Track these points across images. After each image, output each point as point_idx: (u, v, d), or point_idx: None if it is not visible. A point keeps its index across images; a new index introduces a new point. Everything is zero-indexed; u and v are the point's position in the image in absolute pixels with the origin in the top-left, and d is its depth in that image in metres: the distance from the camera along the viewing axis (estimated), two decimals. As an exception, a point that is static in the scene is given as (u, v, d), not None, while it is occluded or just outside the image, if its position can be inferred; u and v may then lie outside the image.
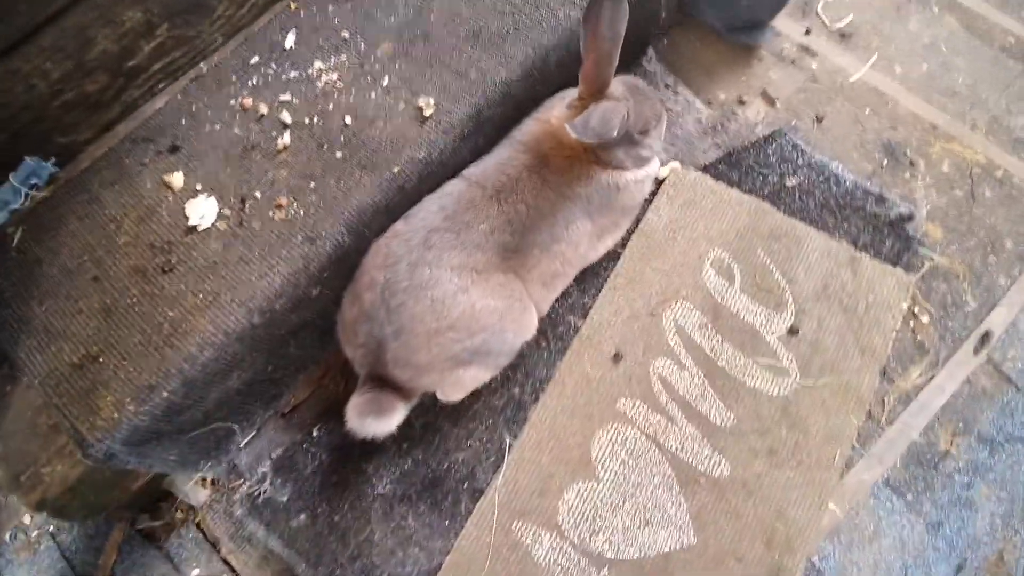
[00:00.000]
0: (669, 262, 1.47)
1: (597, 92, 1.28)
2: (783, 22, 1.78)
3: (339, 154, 1.27)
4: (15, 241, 1.26)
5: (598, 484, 1.29)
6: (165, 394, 1.12)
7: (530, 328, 1.36)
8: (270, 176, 1.26)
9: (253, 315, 1.17)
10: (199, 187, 1.27)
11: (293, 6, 1.43)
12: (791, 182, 1.54)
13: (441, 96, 1.31)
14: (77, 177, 1.32)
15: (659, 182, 1.57)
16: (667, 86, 1.69)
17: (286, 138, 1.29)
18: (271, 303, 1.18)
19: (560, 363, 1.39)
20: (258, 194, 1.25)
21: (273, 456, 1.33)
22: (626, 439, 1.32)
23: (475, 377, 1.32)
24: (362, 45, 1.38)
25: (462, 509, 1.28)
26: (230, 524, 1.33)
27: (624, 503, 1.27)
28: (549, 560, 1.24)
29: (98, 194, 1.29)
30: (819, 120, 1.63)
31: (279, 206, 1.23)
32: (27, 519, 1.38)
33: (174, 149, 1.32)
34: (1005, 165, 1.58)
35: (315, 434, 1.35)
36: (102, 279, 1.22)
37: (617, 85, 1.31)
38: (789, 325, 1.40)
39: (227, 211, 1.24)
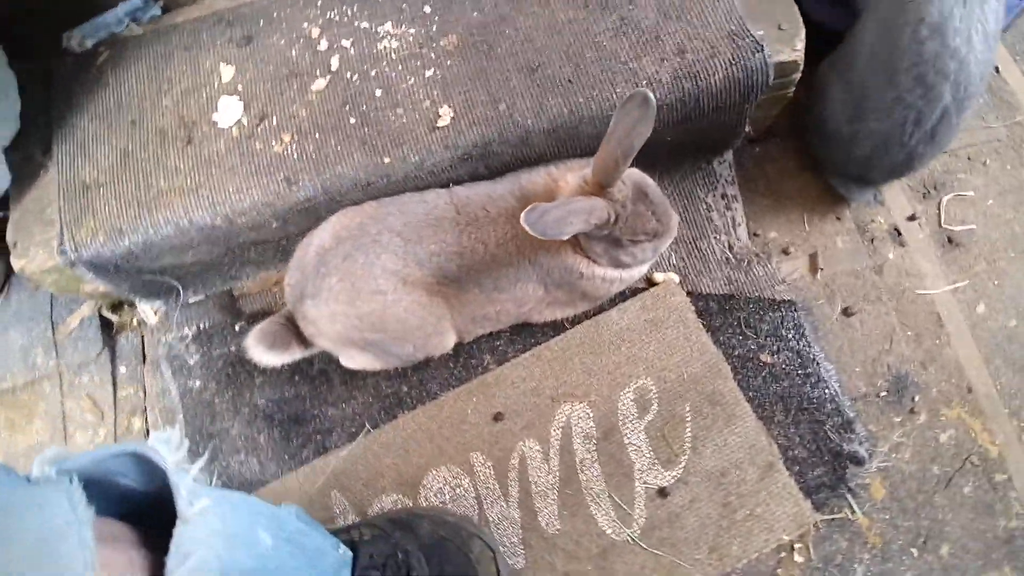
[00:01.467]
0: (599, 364, 1.45)
1: (601, 183, 1.24)
2: (894, 192, 1.55)
3: (352, 120, 1.35)
4: (99, 61, 1.49)
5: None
6: (127, 243, 1.34)
7: (438, 350, 1.43)
8: (291, 110, 1.37)
9: (216, 217, 1.33)
10: (239, 88, 1.41)
11: (403, -42, 1.46)
12: (767, 358, 1.43)
13: (462, 112, 1.32)
14: (166, 29, 1.50)
15: (649, 283, 1.51)
16: (723, 196, 1.57)
17: (323, 83, 1.38)
18: (234, 216, 1.33)
19: (451, 392, 1.46)
20: (274, 120, 1.37)
21: (200, 326, 1.55)
22: (458, 486, 1.40)
23: (368, 362, 1.43)
24: (434, 27, 1.40)
25: (304, 455, 1.45)
26: (154, 352, 1.59)
27: (423, 533, 1.38)
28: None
29: (172, 52, 1.47)
30: (847, 314, 1.46)
31: (281, 140, 1.35)
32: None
33: (244, 42, 1.45)
34: (1013, 473, 1.36)
35: (238, 327, 1.54)
36: (137, 125, 1.42)
37: (627, 183, 1.25)
38: (664, 486, 1.37)
39: (245, 121, 1.38)
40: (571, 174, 1.32)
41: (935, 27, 1.19)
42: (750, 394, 1.41)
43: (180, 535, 0.72)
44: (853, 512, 1.35)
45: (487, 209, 1.31)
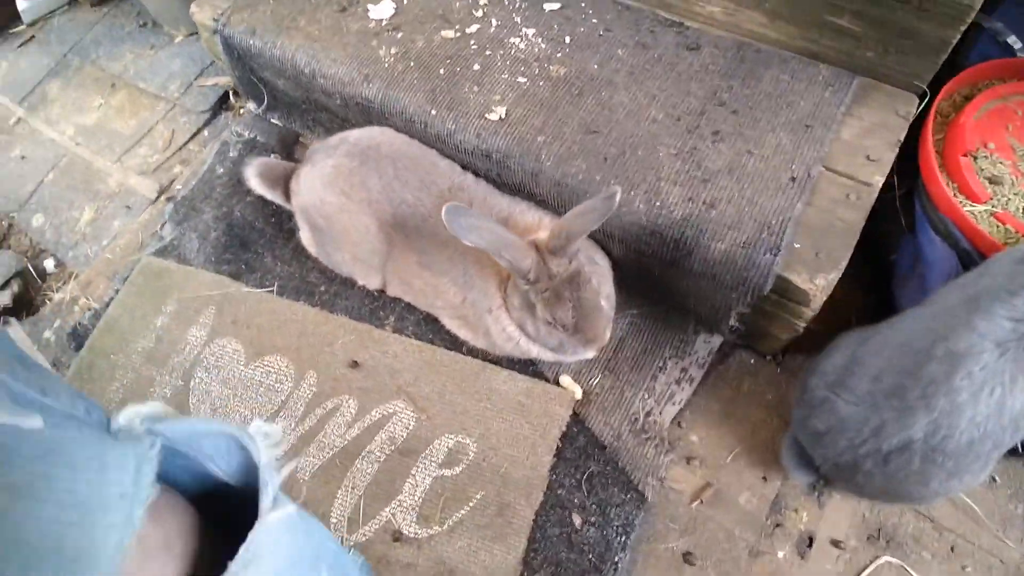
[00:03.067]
0: (454, 398, 1.43)
1: (548, 244, 1.23)
2: (842, 509, 1.31)
3: (441, 71, 1.50)
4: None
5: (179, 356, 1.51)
6: (253, 42, 1.62)
7: (361, 278, 1.55)
8: (417, 39, 1.55)
9: (308, 66, 1.56)
10: (404, 2, 1.63)
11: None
12: (576, 521, 1.30)
13: (511, 120, 1.40)
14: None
15: (555, 380, 1.46)
16: (683, 371, 1.45)
17: (451, 34, 1.55)
18: (319, 74, 1.55)
19: (345, 318, 1.55)
20: (399, 35, 1.56)
21: (259, 138, 1.82)
22: (281, 381, 1.48)
23: (310, 243, 1.58)
24: (558, 54, 1.50)
25: (224, 268, 1.64)
26: (222, 130, 1.90)
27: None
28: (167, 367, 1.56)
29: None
30: (686, 559, 1.27)
31: (390, 52, 1.54)
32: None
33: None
34: None
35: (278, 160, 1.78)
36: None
37: (573, 268, 1.23)
38: (404, 533, 1.32)
39: (384, 23, 1.59)
40: (542, 223, 1.34)
41: (952, 355, 1.01)
42: (536, 535, 1.30)
43: (256, 535, 0.66)
44: None
45: (471, 204, 1.37)
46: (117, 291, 1.68)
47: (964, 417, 1.00)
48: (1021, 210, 1.28)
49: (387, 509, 1.35)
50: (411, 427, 1.42)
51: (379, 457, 1.39)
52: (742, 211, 1.24)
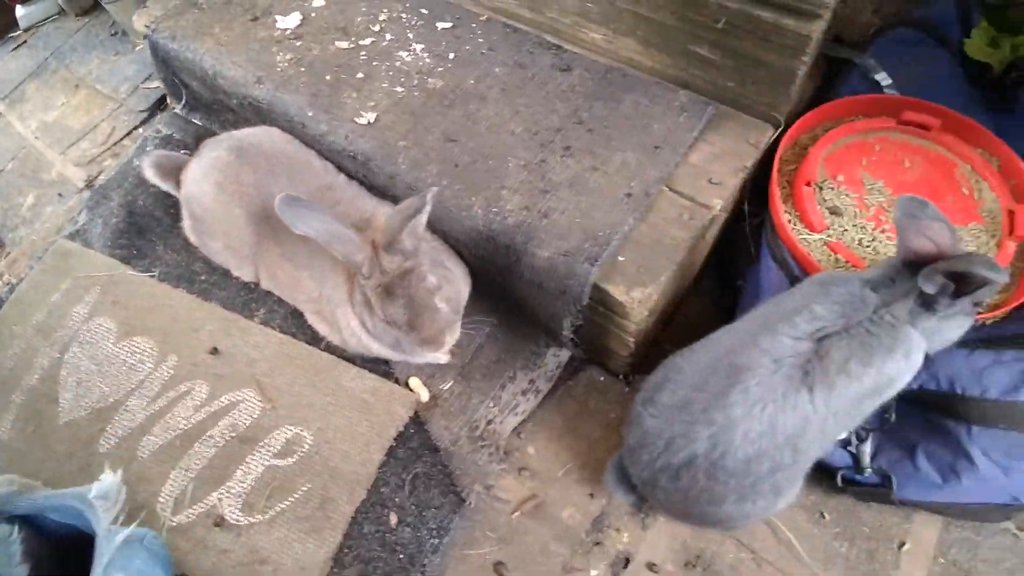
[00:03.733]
0: (301, 391, 1.45)
1: (382, 239, 1.25)
2: (663, 534, 1.28)
3: (328, 77, 1.57)
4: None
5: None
6: (173, 45, 1.73)
7: (234, 269, 1.61)
8: (314, 47, 1.64)
9: (212, 67, 1.66)
10: (310, 16, 1.72)
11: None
12: (392, 520, 1.29)
13: (379, 126, 1.46)
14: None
15: (405, 382, 1.47)
16: (531, 382, 1.45)
17: (345, 45, 1.63)
18: (219, 75, 1.65)
19: (215, 305, 1.59)
20: (299, 43, 1.65)
21: (175, 136, 1.91)
22: (144, 361, 1.52)
23: (190, 231, 1.64)
24: (438, 69, 1.56)
25: (119, 252, 1.70)
26: (144, 127, 2.00)
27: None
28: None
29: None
30: (496, 569, 1.25)
31: (288, 54, 1.62)
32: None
33: (354, -3, 1.78)
34: None
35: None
36: (253, -7, 1.82)
37: (409, 266, 1.25)
38: (226, 519, 1.32)
39: (288, 33, 1.68)
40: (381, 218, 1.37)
41: (734, 368, 1.00)
42: (353, 531, 1.29)
43: None
44: None
45: (339, 203, 1.42)
46: (31, 268, 1.76)
47: (738, 432, 0.98)
48: (858, 241, 1.28)
49: (215, 494, 1.35)
50: (255, 416, 1.44)
51: (218, 442, 1.41)
52: (573, 222, 1.26)
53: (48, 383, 1.51)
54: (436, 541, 1.27)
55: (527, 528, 1.30)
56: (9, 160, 2.20)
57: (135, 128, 2.14)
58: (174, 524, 1.32)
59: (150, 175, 1.66)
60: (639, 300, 1.19)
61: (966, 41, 1.48)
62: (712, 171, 1.34)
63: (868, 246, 1.27)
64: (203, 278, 1.66)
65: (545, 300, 1.30)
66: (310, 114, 1.51)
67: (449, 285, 1.36)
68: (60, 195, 2.00)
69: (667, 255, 1.23)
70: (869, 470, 1.17)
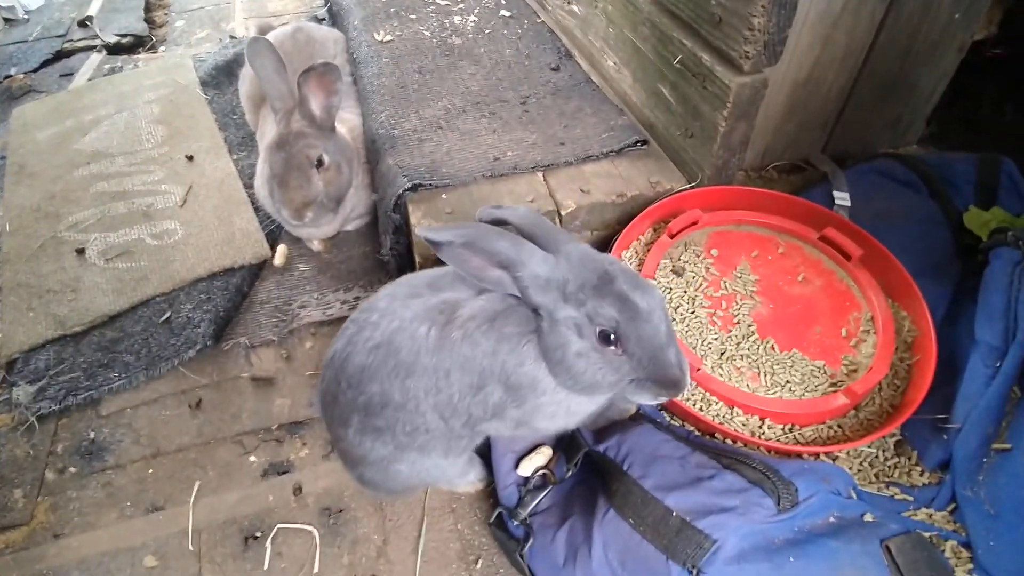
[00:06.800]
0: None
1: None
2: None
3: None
4: None
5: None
6: None
7: (244, 108, 1.90)
8: None
9: None
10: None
11: None
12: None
13: (393, 41, 1.67)
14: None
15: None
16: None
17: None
18: None
19: (220, 134, 1.91)
20: None
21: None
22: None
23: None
24: (474, 35, 1.74)
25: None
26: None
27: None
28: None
29: None
30: (195, 405, 1.28)
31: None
32: None
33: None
34: None
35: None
36: None
37: (328, 140, 1.39)
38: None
39: None
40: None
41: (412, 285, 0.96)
42: (140, 308, 1.44)
43: None
44: None
45: None
46: (149, 62, 2.30)
47: (363, 336, 0.93)
48: (675, 307, 1.11)
49: (95, 235, 1.61)
50: (167, 207, 1.68)
51: (131, 205, 1.68)
52: (432, 155, 1.32)
53: (91, 124, 1.96)
54: (189, 351, 1.35)
55: (243, 391, 1.31)
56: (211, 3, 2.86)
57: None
58: (60, 236, 1.60)
59: (253, 32, 2.08)
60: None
61: (971, 209, 1.22)
62: (592, 184, 1.28)
63: (678, 310, 1.10)
64: (235, 117, 2.00)
65: (380, 209, 1.35)
66: (356, 23, 1.79)
67: (338, 175, 1.47)
68: (220, 39, 2.56)
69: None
70: (520, 521, 0.98)
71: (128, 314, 1.44)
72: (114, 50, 2.55)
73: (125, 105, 2.04)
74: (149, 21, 2.84)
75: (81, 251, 1.57)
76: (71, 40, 2.65)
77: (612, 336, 0.75)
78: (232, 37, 2.50)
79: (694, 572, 0.76)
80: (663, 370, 0.74)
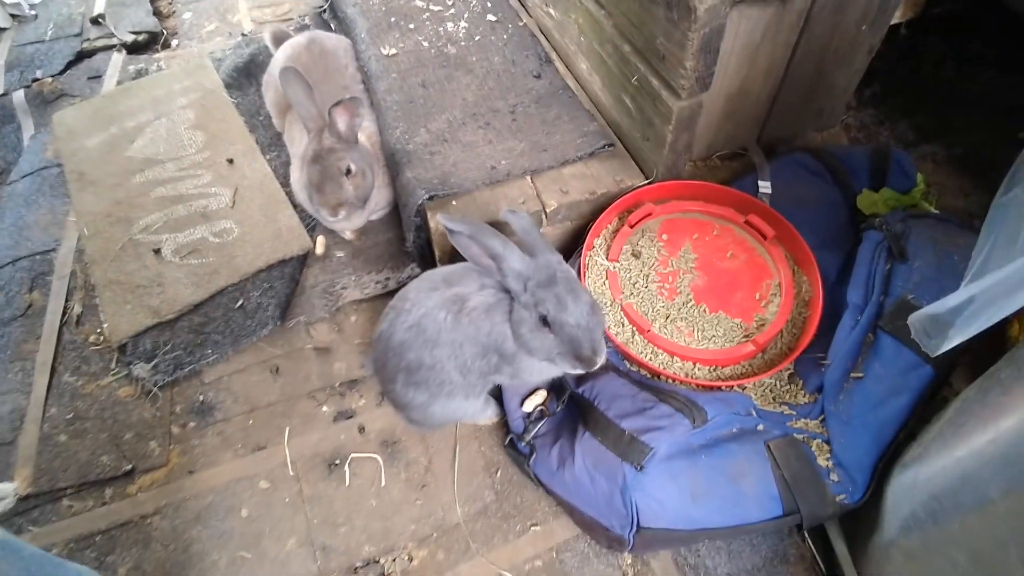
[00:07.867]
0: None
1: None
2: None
3: (393, 19, 2.11)
4: None
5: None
6: None
7: (271, 113, 2.20)
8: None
9: None
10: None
11: None
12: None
13: (397, 57, 1.96)
14: None
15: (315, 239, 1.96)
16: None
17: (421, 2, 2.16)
18: None
19: (251, 136, 2.21)
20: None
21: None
22: (189, 145, 2.20)
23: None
24: (465, 42, 2.01)
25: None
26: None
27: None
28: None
29: None
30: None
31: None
32: None
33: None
34: None
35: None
36: None
37: (353, 151, 1.72)
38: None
39: None
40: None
41: (430, 281, 1.33)
42: (214, 297, 1.81)
43: None
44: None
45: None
46: (172, 66, 2.55)
47: (400, 320, 1.32)
48: (632, 281, 1.49)
49: (166, 235, 1.96)
50: (220, 207, 2.02)
51: (189, 208, 2.02)
52: (441, 166, 1.65)
53: (135, 131, 2.25)
54: (263, 330, 1.73)
55: (309, 358, 1.71)
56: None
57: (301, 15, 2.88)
58: (136, 239, 1.95)
59: (267, 40, 2.33)
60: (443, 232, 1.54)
61: (864, 192, 1.57)
62: (570, 185, 1.62)
63: (635, 285, 1.48)
64: (261, 118, 2.29)
65: (403, 213, 1.69)
66: (363, 36, 2.06)
67: (363, 180, 1.81)
68: (231, 33, 2.79)
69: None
70: (525, 442, 1.40)
71: (208, 302, 1.81)
72: (131, 48, 2.78)
73: (161, 111, 2.32)
74: (156, 12, 3.04)
75: (157, 251, 1.92)
76: (88, 39, 2.85)
77: (546, 320, 1.13)
78: (243, 35, 2.73)
79: (639, 468, 1.18)
80: (577, 350, 1.12)
